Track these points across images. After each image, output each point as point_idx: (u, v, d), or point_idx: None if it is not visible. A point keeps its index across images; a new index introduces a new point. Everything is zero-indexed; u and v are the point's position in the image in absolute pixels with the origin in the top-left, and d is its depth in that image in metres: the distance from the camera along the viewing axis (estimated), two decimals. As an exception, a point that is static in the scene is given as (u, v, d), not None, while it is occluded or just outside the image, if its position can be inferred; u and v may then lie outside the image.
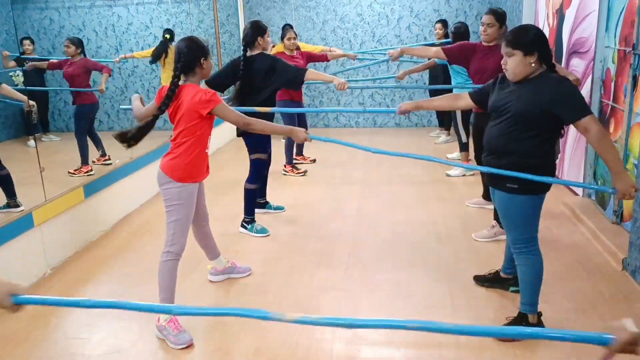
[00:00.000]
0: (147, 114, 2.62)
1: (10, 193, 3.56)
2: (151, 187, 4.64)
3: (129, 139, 2.50)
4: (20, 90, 4.23)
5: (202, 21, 7.09)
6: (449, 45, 4.00)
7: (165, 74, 5.74)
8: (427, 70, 6.85)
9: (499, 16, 3.68)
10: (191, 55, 2.51)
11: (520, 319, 2.48)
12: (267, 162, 3.99)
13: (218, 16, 7.20)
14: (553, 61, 2.42)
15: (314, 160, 5.89)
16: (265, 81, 3.67)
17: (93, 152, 4.98)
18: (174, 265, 2.57)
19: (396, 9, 7.68)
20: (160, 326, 2.54)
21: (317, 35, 7.89)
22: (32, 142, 4.49)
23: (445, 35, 6.10)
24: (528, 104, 2.28)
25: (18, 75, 5.10)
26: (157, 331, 2.56)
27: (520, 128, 2.32)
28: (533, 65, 2.29)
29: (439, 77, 6.29)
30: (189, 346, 2.48)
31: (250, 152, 3.84)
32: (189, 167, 2.54)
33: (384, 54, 7.35)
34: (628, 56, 3.51)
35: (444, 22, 6.33)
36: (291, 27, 5.87)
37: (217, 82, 3.79)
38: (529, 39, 2.29)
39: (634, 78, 3.38)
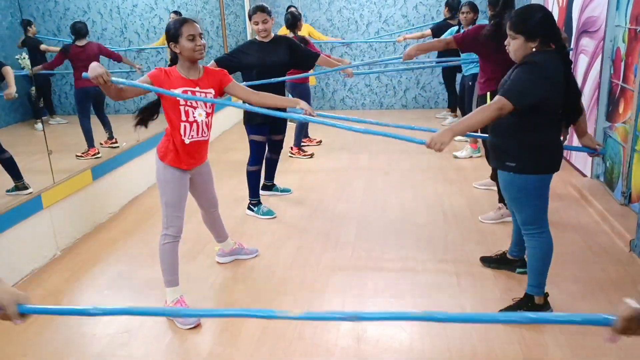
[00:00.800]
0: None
1: (17, 175, 3.57)
2: (158, 169, 4.66)
3: (138, 119, 2.58)
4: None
5: (207, 2, 7.02)
6: (461, 33, 3.79)
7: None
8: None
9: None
10: (167, 38, 2.48)
11: (527, 300, 2.48)
12: (265, 144, 3.94)
13: (223, -3, 7.13)
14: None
15: (320, 142, 5.88)
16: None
17: (102, 135, 4.99)
18: (173, 247, 2.58)
19: (403, -12, 7.56)
20: (168, 307, 2.57)
21: (323, 16, 7.81)
22: (39, 125, 4.50)
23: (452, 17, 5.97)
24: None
25: (25, 58, 5.09)
26: (166, 311, 2.59)
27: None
28: (534, 49, 2.26)
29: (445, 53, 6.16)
30: (197, 326, 2.51)
31: (248, 133, 3.84)
32: (169, 149, 2.54)
33: (391, 42, 7.27)
34: (639, 35, 3.45)
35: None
36: (294, 7, 5.80)
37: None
38: (533, 25, 2.23)
39: (645, 58, 3.33)
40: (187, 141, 2.51)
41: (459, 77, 5.99)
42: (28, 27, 5.35)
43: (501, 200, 3.57)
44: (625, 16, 3.69)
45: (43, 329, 2.56)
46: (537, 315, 1.69)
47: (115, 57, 5.37)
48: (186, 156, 2.56)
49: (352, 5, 7.73)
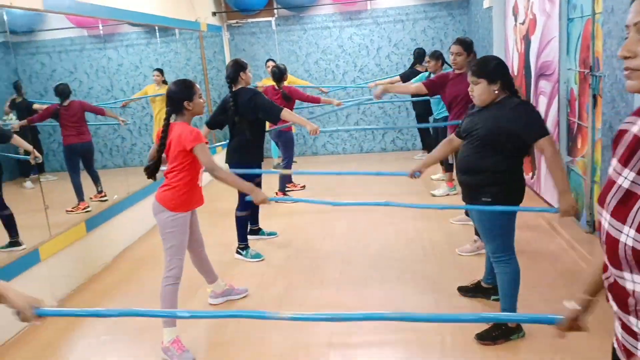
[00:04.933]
0: (152, 153, 2.90)
1: (14, 232, 3.72)
2: (148, 220, 4.79)
3: (149, 173, 2.80)
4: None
5: (190, 59, 7.38)
6: (429, 79, 4.32)
7: (156, 110, 6.02)
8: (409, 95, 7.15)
9: (466, 45, 3.98)
10: (177, 97, 2.74)
11: (500, 324, 2.66)
12: None
13: (205, 53, 7.50)
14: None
15: (304, 187, 6.10)
16: (250, 113, 3.89)
17: (91, 189, 5.14)
18: (174, 289, 2.76)
19: (375, 39, 8.04)
20: (164, 347, 2.70)
21: (300, 67, 8.22)
22: (29, 183, 4.68)
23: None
24: (492, 126, 2.53)
25: (12, 118, 5.30)
26: (162, 353, 2.72)
27: (487, 148, 2.56)
28: (496, 92, 2.55)
29: (420, 105, 6.60)
30: (193, 363, 2.64)
31: None
32: (181, 197, 2.75)
33: (364, 87, 7.70)
34: (587, 77, 3.81)
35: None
36: (273, 60, 6.16)
37: (214, 121, 4.16)
38: (491, 69, 2.55)
39: (594, 97, 3.67)
40: (202, 184, 2.89)
41: (431, 120, 6.36)
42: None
43: (477, 233, 3.80)
44: (575, 60, 4.07)
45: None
46: (491, 315, 1.90)
47: (98, 112, 5.62)
48: (196, 197, 2.85)
49: (328, 57, 8.17)
